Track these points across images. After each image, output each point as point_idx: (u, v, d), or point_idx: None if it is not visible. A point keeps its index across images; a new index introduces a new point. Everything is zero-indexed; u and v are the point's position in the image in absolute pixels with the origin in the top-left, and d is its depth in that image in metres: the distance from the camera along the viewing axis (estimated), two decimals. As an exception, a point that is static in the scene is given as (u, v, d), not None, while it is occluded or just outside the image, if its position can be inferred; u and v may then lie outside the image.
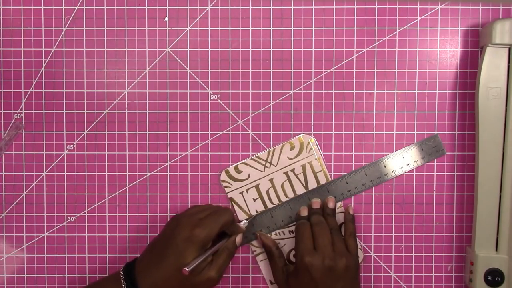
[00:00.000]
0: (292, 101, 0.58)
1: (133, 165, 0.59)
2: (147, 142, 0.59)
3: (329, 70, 0.58)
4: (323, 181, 0.59)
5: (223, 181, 0.59)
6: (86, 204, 0.59)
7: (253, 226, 0.59)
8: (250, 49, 0.58)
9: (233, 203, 0.59)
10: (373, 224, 0.59)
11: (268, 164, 0.58)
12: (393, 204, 0.59)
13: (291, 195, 0.59)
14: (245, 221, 0.57)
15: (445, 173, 0.58)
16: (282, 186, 0.59)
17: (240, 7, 0.58)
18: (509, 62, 0.54)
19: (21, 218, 0.59)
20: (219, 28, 0.58)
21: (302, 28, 0.58)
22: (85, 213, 0.59)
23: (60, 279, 0.59)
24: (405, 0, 0.58)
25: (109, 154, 0.59)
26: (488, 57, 0.54)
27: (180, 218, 0.53)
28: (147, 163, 0.59)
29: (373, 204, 0.59)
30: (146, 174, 0.59)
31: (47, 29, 0.58)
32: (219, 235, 0.53)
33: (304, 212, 0.57)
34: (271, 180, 0.59)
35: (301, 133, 0.58)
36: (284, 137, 0.59)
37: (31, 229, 0.59)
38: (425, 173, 0.58)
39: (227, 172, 0.58)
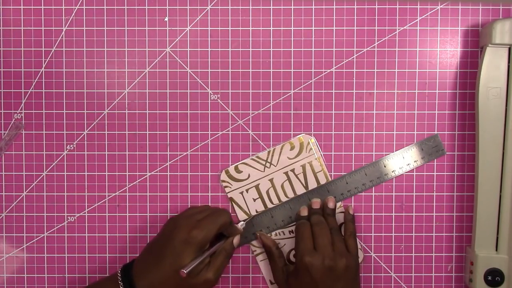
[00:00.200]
0: (292, 101, 0.58)
1: (133, 165, 0.59)
2: (147, 142, 0.59)
3: (329, 70, 0.58)
4: (323, 181, 0.59)
5: (223, 181, 0.59)
6: (86, 204, 0.59)
7: (253, 226, 0.59)
8: (250, 49, 0.58)
9: (233, 203, 0.59)
10: (373, 224, 0.59)
11: (268, 164, 0.58)
12: (393, 204, 0.59)
13: (291, 195, 0.59)
14: (242, 222, 0.57)
15: (445, 173, 0.58)
16: (282, 186, 0.59)
17: (240, 7, 0.58)
18: (509, 62, 0.54)
19: (21, 218, 0.59)
20: (219, 28, 0.58)
21: (302, 28, 0.58)
22: (85, 213, 0.59)
23: (60, 279, 0.59)
24: (405, 0, 0.58)
25: (109, 154, 0.59)
26: (488, 57, 0.54)
27: (178, 219, 0.53)
28: (147, 163, 0.59)
29: (373, 204, 0.59)
30: (146, 174, 0.59)
31: (47, 29, 0.58)
32: (216, 237, 0.53)
33: (304, 212, 0.57)
34: (271, 180, 0.59)
35: (301, 133, 0.58)
36: (284, 137, 0.59)
37: (31, 229, 0.59)
38: (425, 173, 0.58)
39: (227, 172, 0.58)
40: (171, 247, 0.50)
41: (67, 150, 0.59)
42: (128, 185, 0.59)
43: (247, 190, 0.59)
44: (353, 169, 0.59)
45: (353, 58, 0.58)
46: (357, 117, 0.58)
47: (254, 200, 0.59)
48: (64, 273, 0.59)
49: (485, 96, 0.54)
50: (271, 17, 0.58)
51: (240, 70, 0.58)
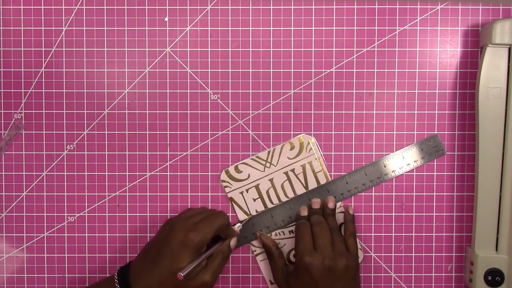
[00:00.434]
0: (292, 101, 0.58)
1: (133, 165, 0.59)
2: (147, 142, 0.59)
3: (329, 70, 0.58)
4: (323, 181, 0.59)
5: (223, 181, 0.59)
6: (86, 204, 0.59)
7: (253, 226, 0.59)
8: (250, 49, 0.58)
9: (233, 203, 0.59)
10: (373, 224, 0.59)
11: (268, 164, 0.58)
12: (393, 204, 0.59)
13: (291, 195, 0.59)
14: (239, 224, 0.57)
15: (445, 173, 0.58)
16: (282, 186, 0.59)
17: (240, 7, 0.58)
18: (509, 62, 0.54)
19: (21, 218, 0.59)
20: (219, 28, 0.58)
21: (302, 28, 0.58)
22: (85, 213, 0.59)
23: (60, 279, 0.59)
24: (405, 0, 0.58)
25: (109, 154, 0.59)
26: (488, 57, 0.54)
27: (175, 221, 0.52)
28: (147, 163, 0.59)
29: (373, 204, 0.59)
30: (146, 174, 0.59)
31: (47, 29, 0.58)
32: (213, 239, 0.53)
33: (304, 212, 0.57)
34: (271, 180, 0.59)
35: (301, 133, 0.58)
36: (284, 137, 0.59)
37: (31, 229, 0.59)
38: (425, 173, 0.58)
39: (227, 172, 0.58)
40: (168, 249, 0.50)
41: (67, 150, 0.59)
42: (128, 185, 0.59)
43: (247, 190, 0.59)
44: (353, 169, 0.59)
45: (353, 58, 0.58)
46: (357, 117, 0.58)
47: (254, 200, 0.59)
48: (64, 273, 0.59)
49: (485, 96, 0.54)
50: (271, 17, 0.58)
51: (240, 70, 0.58)
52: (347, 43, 0.58)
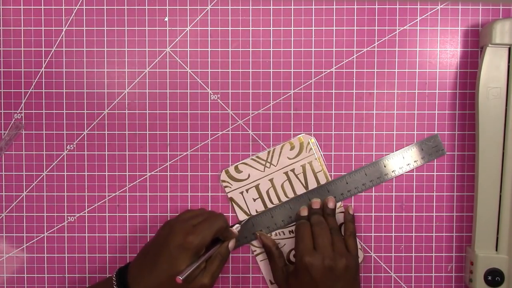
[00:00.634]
0: (292, 101, 0.58)
1: (133, 165, 0.59)
2: (147, 142, 0.59)
3: (329, 70, 0.58)
4: (323, 181, 0.59)
5: (223, 181, 0.59)
6: (86, 204, 0.59)
7: (253, 226, 0.59)
8: (250, 49, 0.58)
9: (233, 203, 0.59)
10: (373, 224, 0.59)
11: (268, 164, 0.58)
12: (393, 204, 0.59)
13: (291, 195, 0.59)
14: (237, 225, 0.57)
15: (445, 173, 0.58)
16: (282, 186, 0.59)
17: (240, 7, 0.58)
18: (509, 62, 0.54)
19: (21, 218, 0.59)
20: (219, 28, 0.58)
21: (302, 28, 0.58)
22: (85, 213, 0.59)
23: (60, 279, 0.59)
24: (405, 0, 0.58)
25: (109, 154, 0.59)
26: (488, 57, 0.54)
27: (173, 224, 0.52)
28: (147, 163, 0.59)
29: (373, 204, 0.59)
30: (146, 174, 0.59)
31: (47, 29, 0.58)
32: (212, 241, 0.53)
33: (304, 212, 0.57)
34: (271, 180, 0.59)
35: (301, 133, 0.58)
36: (284, 137, 0.59)
37: (31, 229, 0.59)
38: (425, 173, 0.58)
39: (227, 172, 0.58)
40: (166, 252, 0.50)
41: (67, 150, 0.59)
42: (128, 185, 0.59)
43: (247, 190, 0.59)
44: (353, 169, 0.59)
45: (353, 58, 0.58)
46: (357, 117, 0.58)
47: (254, 200, 0.59)
48: (64, 273, 0.59)
49: (485, 96, 0.54)
50: (271, 17, 0.58)
51: (240, 70, 0.58)
52: (347, 43, 0.58)
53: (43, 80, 0.58)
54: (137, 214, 0.59)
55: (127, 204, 0.59)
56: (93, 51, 0.58)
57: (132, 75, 0.58)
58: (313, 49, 0.58)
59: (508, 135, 0.54)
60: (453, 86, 0.58)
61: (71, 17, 0.58)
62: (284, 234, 0.59)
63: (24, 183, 0.59)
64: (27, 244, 0.59)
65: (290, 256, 0.59)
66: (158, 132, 0.59)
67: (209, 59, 0.58)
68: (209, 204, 0.59)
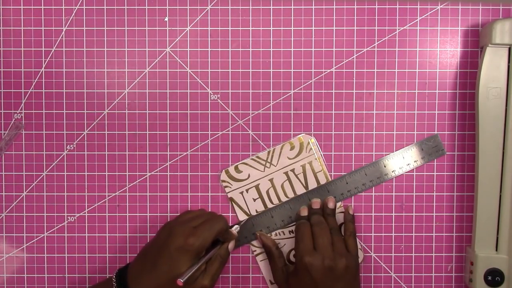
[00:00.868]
0: (292, 101, 0.58)
1: (133, 165, 0.59)
2: (147, 142, 0.59)
3: (329, 70, 0.58)
4: (323, 181, 0.59)
5: (223, 181, 0.59)
6: (86, 204, 0.59)
7: (253, 226, 0.59)
8: (250, 49, 0.58)
9: (233, 203, 0.59)
10: (373, 224, 0.59)
11: (268, 164, 0.58)
12: (393, 204, 0.59)
13: (291, 195, 0.59)
14: (236, 226, 0.57)
15: (445, 173, 0.58)
16: (282, 186, 0.59)
17: (240, 7, 0.58)
18: (509, 62, 0.54)
19: (21, 218, 0.59)
20: (219, 28, 0.58)
21: (302, 28, 0.58)
22: (85, 213, 0.59)
23: (60, 279, 0.59)
24: (405, 0, 0.58)
25: (109, 154, 0.59)
26: (488, 57, 0.54)
27: (173, 226, 0.52)
28: (147, 163, 0.59)
29: (373, 204, 0.59)
30: (146, 174, 0.59)
31: (47, 29, 0.58)
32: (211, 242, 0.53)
33: (304, 212, 0.57)
34: (271, 180, 0.59)
35: (301, 133, 0.58)
36: (284, 137, 0.59)
37: (31, 229, 0.59)
38: (425, 173, 0.58)
39: (227, 172, 0.58)
40: (167, 254, 0.50)
41: (67, 150, 0.59)
42: (128, 185, 0.59)
43: (247, 190, 0.59)
44: (353, 169, 0.59)
45: (353, 58, 0.58)
46: (357, 117, 0.58)
47: (254, 200, 0.59)
48: (64, 273, 0.59)
49: (485, 96, 0.54)
50: (271, 17, 0.58)
51: (240, 70, 0.58)
52: (347, 43, 0.58)
53: (43, 80, 0.58)
54: (137, 214, 0.59)
55: (127, 204, 0.59)
56: (93, 51, 0.58)
57: (132, 75, 0.58)
58: (313, 49, 0.58)
59: (508, 135, 0.54)
60: (453, 86, 0.58)
61: (71, 17, 0.58)
62: (284, 234, 0.59)
63: (24, 183, 0.59)
64: (27, 244, 0.59)
65: (290, 256, 0.59)
66: (158, 132, 0.59)
67: (209, 59, 0.58)
68: (209, 204, 0.59)
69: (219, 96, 0.58)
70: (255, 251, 0.59)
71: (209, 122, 0.58)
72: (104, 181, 0.59)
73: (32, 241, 0.59)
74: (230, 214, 0.59)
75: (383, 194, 0.59)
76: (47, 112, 0.59)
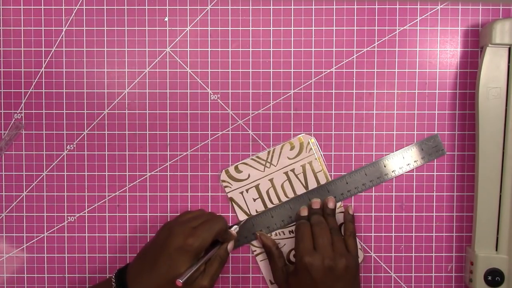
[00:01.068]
0: (292, 101, 0.58)
1: (133, 165, 0.59)
2: (147, 142, 0.59)
3: (329, 70, 0.58)
4: (323, 181, 0.59)
5: (223, 181, 0.59)
6: (86, 204, 0.59)
7: (253, 226, 0.59)
8: (250, 49, 0.58)
9: (233, 203, 0.59)
10: (373, 224, 0.59)
11: (268, 164, 0.58)
12: (393, 204, 0.59)
13: (291, 195, 0.59)
14: (236, 226, 0.57)
15: (445, 173, 0.58)
16: (282, 186, 0.59)
17: (240, 7, 0.58)
18: (509, 62, 0.54)
19: (21, 218, 0.59)
20: (219, 28, 0.58)
21: (302, 28, 0.58)
22: (85, 213, 0.59)
23: (60, 279, 0.59)
24: (405, 0, 0.58)
25: (109, 154, 0.59)
26: (488, 57, 0.54)
27: (173, 226, 0.52)
28: (147, 163, 0.59)
29: (373, 204, 0.59)
30: (146, 174, 0.59)
31: (47, 29, 0.58)
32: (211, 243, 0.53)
33: (304, 212, 0.57)
34: (271, 180, 0.59)
35: (301, 133, 0.58)
36: (284, 137, 0.59)
37: (31, 229, 0.59)
38: (425, 173, 0.58)
39: (227, 172, 0.58)
40: (166, 255, 0.50)
41: (67, 150, 0.59)
42: (128, 185, 0.59)
43: (247, 190, 0.59)
44: (353, 169, 0.59)
45: (353, 58, 0.58)
46: (357, 117, 0.58)
47: (254, 200, 0.59)
48: (64, 273, 0.59)
49: (485, 96, 0.54)
50: (271, 17, 0.58)
51: (240, 70, 0.58)
52: (347, 43, 0.58)
53: (43, 80, 0.58)
54: (137, 214, 0.59)
55: (127, 204, 0.59)
56: (93, 51, 0.58)
57: (132, 75, 0.58)
58: (313, 49, 0.58)
59: (508, 135, 0.54)
60: (453, 86, 0.58)
61: (71, 17, 0.58)
62: (284, 234, 0.59)
63: (24, 183, 0.59)
64: (27, 244, 0.59)
65: (290, 256, 0.59)
66: (158, 132, 0.59)
67: (209, 59, 0.58)
68: (209, 204, 0.59)
69: (219, 96, 0.58)
70: (255, 251, 0.59)
71: (209, 122, 0.58)
72: (104, 181, 0.59)
73: (32, 241, 0.59)
74: (230, 214, 0.59)
75: (383, 194, 0.59)
76: (47, 112, 0.59)
